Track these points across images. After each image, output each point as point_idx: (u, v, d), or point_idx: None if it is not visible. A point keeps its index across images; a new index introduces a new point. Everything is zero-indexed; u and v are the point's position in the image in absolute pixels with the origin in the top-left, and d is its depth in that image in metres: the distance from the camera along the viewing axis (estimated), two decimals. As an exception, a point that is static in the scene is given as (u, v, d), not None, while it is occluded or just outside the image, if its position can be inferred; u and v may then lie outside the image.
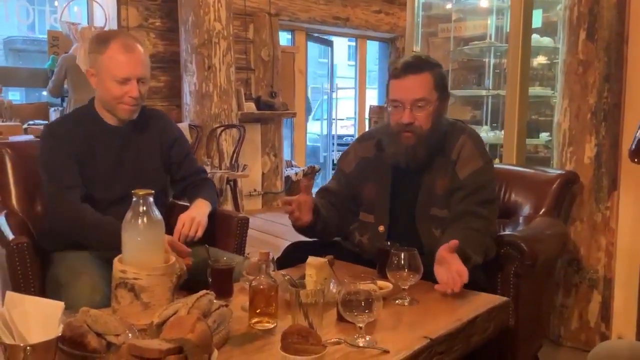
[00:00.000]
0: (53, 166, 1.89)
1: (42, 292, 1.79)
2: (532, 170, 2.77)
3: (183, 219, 1.93)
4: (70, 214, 1.84)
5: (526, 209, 2.58)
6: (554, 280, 2.69)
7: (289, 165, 6.82)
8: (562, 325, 2.80)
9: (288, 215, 1.89)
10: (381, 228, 2.04)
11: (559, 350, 2.76)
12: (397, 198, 2.05)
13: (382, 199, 2.06)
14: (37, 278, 1.78)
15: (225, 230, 2.16)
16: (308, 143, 7.63)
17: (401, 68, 1.95)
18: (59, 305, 1.15)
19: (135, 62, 1.88)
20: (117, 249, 1.52)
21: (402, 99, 1.94)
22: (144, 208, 1.42)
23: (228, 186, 5.26)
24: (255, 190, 6.31)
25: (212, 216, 2.03)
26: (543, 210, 2.53)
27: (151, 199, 1.44)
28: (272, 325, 1.42)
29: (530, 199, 2.58)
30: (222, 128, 5.35)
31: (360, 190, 2.11)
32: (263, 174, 6.35)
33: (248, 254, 1.65)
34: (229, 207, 5.34)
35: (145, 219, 1.42)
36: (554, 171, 2.70)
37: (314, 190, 2.36)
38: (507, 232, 2.21)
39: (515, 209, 2.59)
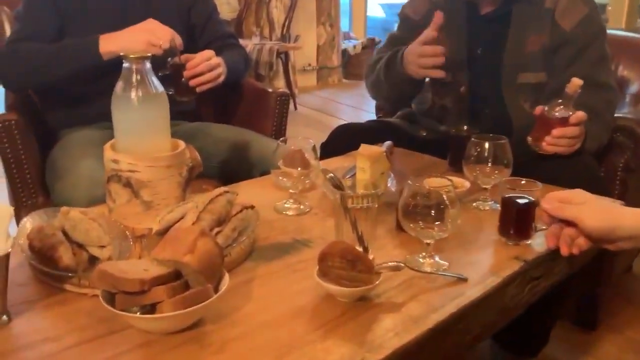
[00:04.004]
0: (24, 13, 1.59)
1: (41, 181, 1.51)
2: (646, 37, 2.24)
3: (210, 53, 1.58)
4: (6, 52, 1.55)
5: (635, 86, 2.10)
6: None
7: (347, 37, 6.24)
8: (661, 225, 2.36)
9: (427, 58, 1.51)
10: (463, 89, 1.66)
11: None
12: (476, 52, 1.67)
13: (457, 51, 1.66)
14: (33, 163, 1.49)
15: (261, 110, 1.79)
16: (369, 14, 6.94)
17: None
18: (6, 211, 0.83)
19: None
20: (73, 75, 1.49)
21: None
22: (138, 77, 1.05)
23: (279, 60, 4.82)
24: (309, 65, 5.83)
25: (236, 90, 1.66)
26: (659, 86, 2.03)
27: (148, 65, 1.06)
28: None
29: (641, 72, 2.09)
30: (272, -7, 4.81)
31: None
32: (318, 46, 5.81)
33: (282, 139, 1.28)
34: (280, 83, 4.94)
35: (140, 92, 1.05)
36: (675, 37, 2.16)
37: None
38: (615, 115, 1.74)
39: (622, 85, 2.10)
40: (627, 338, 1.79)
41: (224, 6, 4.81)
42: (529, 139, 1.39)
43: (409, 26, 1.75)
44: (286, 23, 4.89)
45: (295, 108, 4.91)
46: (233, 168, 1.61)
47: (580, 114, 1.34)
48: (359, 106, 4.98)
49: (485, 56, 1.65)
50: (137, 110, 1.06)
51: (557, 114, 1.35)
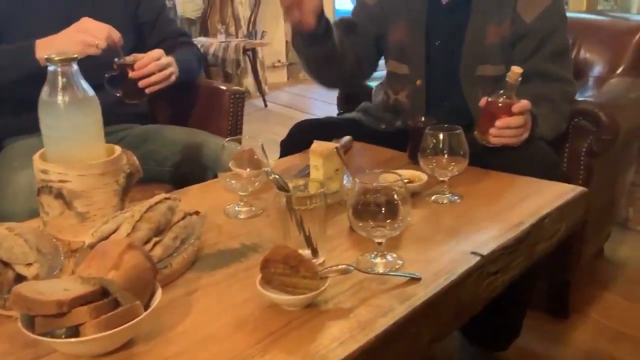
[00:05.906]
0: None
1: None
2: (607, 18, 2.23)
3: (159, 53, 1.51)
4: None
5: (598, 68, 2.08)
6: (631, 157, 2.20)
7: (316, 31, 6.17)
8: (630, 207, 2.37)
9: (283, 13, 1.41)
10: (419, 82, 1.60)
11: (626, 234, 2.35)
12: (435, 43, 1.60)
13: (415, 43, 1.60)
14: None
15: (216, 109, 1.73)
16: (337, 7, 6.87)
17: None
18: None
19: None
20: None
21: None
22: (64, 80, 0.98)
23: (247, 57, 4.76)
24: (279, 62, 5.77)
25: (190, 89, 1.59)
26: (621, 68, 2.03)
27: (75, 66, 0.99)
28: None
29: (604, 55, 2.08)
30: (236, -10, 4.74)
31: (387, 32, 1.66)
32: (287, 42, 5.75)
33: (228, 139, 1.22)
34: (249, 80, 4.87)
35: (66, 97, 0.98)
36: (637, 17, 2.14)
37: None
38: (577, 98, 1.70)
39: (584, 68, 2.08)
40: (601, 325, 1.76)
41: (188, 4, 4.73)
42: (475, 132, 1.35)
43: (364, 12, 1.69)
44: (252, 19, 4.82)
45: (266, 105, 4.84)
46: (186, 171, 1.55)
47: (524, 103, 1.30)
48: (331, 101, 4.88)
49: (443, 48, 1.60)
50: (64, 116, 0.99)
51: (500, 104, 1.31)
